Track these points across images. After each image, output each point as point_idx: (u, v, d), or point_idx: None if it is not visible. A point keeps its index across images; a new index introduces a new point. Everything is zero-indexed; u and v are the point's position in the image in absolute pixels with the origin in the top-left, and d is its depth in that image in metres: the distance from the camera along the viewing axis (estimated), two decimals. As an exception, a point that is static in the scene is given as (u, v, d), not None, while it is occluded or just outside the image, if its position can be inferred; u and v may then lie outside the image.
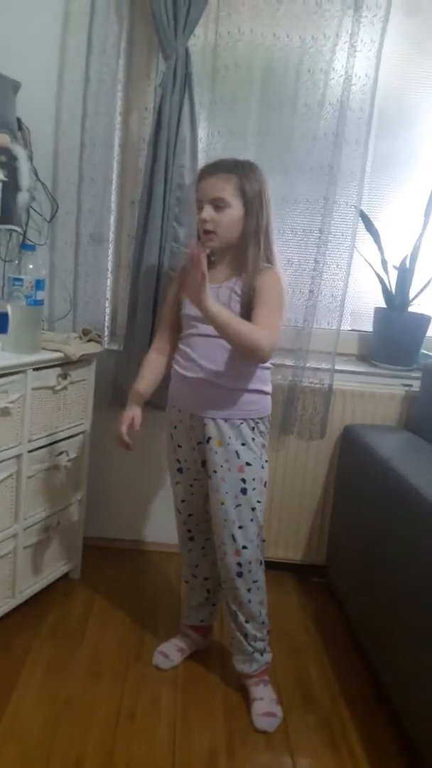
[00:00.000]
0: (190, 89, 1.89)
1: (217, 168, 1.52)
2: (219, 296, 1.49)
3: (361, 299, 2.23)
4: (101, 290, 2.09)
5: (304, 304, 2.03)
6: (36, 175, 1.98)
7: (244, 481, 1.52)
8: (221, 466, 1.52)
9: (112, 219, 2.09)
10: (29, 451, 1.73)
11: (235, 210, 1.48)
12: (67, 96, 2.00)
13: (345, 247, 2.03)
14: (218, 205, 1.48)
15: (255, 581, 1.57)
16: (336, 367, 2.07)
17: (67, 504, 1.93)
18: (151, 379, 1.67)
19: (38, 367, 1.71)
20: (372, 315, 2.21)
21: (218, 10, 1.94)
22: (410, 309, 2.13)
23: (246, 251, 1.51)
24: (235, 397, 1.52)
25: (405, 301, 2.11)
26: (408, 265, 2.08)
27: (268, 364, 1.57)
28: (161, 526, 2.21)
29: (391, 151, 2.14)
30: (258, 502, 1.55)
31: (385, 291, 2.13)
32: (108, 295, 2.12)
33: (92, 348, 1.89)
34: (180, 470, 1.65)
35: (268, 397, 1.58)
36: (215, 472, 1.53)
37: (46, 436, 1.79)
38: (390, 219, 2.16)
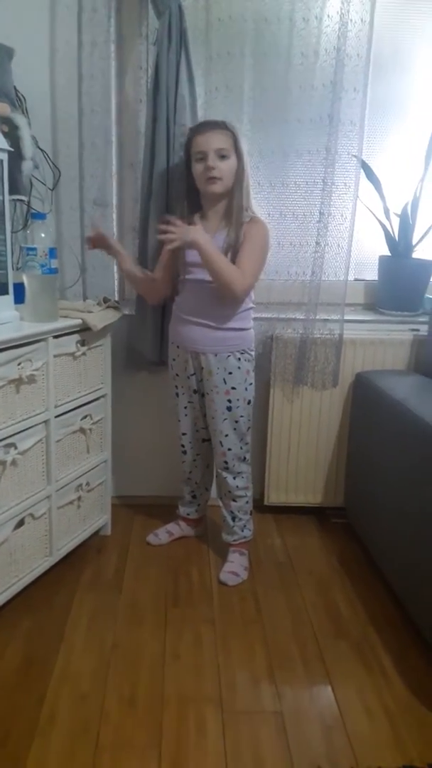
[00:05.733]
0: (186, 46, 1.88)
1: (216, 124, 1.75)
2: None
3: (364, 249, 2.25)
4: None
5: (311, 256, 2.06)
6: (36, 142, 1.98)
7: (229, 401, 1.86)
8: (211, 390, 1.86)
9: (114, 183, 2.10)
10: (56, 416, 1.79)
11: (232, 161, 1.73)
12: (61, 61, 1.98)
13: (348, 197, 2.04)
14: (222, 155, 1.71)
15: (239, 472, 1.93)
16: (345, 318, 2.11)
17: (95, 465, 2.01)
18: (137, 270, 1.93)
19: (58, 335, 1.75)
20: (375, 264, 2.24)
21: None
22: (414, 255, 2.16)
23: (232, 201, 1.76)
24: (221, 334, 1.81)
25: (408, 248, 2.14)
26: (410, 212, 2.10)
27: (250, 305, 1.84)
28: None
29: (386, 96, 2.13)
30: (241, 416, 1.88)
31: (389, 238, 2.15)
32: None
33: (113, 316, 1.92)
34: (177, 395, 1.97)
35: (250, 331, 1.87)
36: (207, 394, 1.88)
37: (70, 401, 1.85)
38: (388, 166, 2.17)
